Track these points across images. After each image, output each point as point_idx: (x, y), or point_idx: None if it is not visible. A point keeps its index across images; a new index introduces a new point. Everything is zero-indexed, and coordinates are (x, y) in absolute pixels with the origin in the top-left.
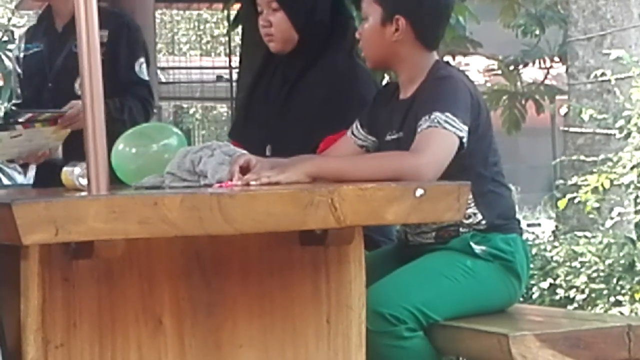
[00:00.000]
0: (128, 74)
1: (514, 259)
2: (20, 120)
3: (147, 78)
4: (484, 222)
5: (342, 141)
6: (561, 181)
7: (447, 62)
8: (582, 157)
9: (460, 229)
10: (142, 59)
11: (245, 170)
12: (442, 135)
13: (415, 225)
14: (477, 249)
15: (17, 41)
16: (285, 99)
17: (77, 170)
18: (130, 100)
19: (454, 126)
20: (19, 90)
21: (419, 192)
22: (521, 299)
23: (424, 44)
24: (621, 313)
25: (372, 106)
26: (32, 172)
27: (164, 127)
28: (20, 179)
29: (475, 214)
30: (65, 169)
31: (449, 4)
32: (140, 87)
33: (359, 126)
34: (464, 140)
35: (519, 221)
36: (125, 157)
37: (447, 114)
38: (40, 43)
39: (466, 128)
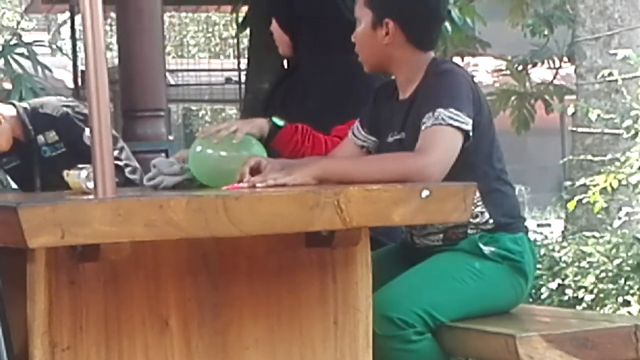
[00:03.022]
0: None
1: (523, 259)
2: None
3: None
4: (491, 221)
5: (344, 142)
6: (569, 182)
7: (445, 59)
8: (590, 157)
9: (468, 230)
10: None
11: (255, 171)
12: (447, 133)
13: (422, 227)
14: (486, 249)
15: None
16: (287, 100)
17: (84, 173)
18: None
19: (458, 120)
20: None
21: (425, 193)
22: (530, 300)
23: (416, 45)
24: (630, 313)
25: (373, 105)
26: None
27: (248, 138)
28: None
29: (482, 213)
30: (71, 172)
31: (440, 5)
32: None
33: (359, 127)
34: (470, 133)
35: (524, 219)
36: (216, 160)
37: (451, 109)
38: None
39: (470, 121)
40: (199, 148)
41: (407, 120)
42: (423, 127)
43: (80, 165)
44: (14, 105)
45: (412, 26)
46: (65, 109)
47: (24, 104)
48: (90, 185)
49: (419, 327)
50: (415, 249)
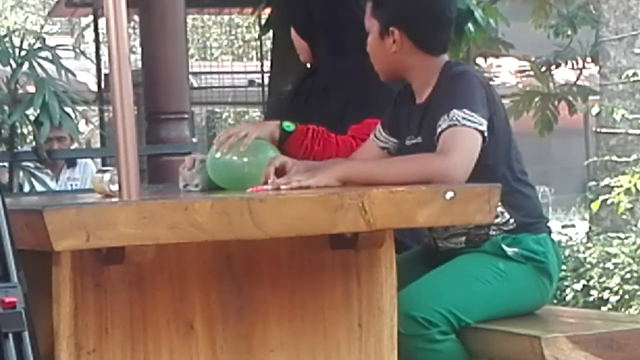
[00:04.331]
0: None
1: (547, 260)
2: None
3: None
4: (512, 221)
5: (366, 144)
6: (593, 183)
7: (459, 62)
8: (614, 158)
9: (490, 232)
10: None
11: (281, 172)
12: (465, 133)
13: (444, 229)
14: (509, 250)
15: None
16: (309, 103)
17: (107, 176)
18: None
19: (473, 122)
20: None
21: (449, 194)
22: (555, 301)
23: (426, 50)
24: None
25: (394, 108)
26: (64, 175)
27: (264, 143)
28: (52, 184)
29: (502, 213)
30: (94, 175)
31: (445, 8)
32: None
33: (380, 129)
34: (485, 134)
35: (547, 220)
36: (234, 165)
37: (465, 110)
38: None
39: (485, 122)
40: (217, 155)
41: (423, 124)
42: (439, 130)
43: (103, 168)
44: None
45: (419, 32)
46: None
47: None
48: (113, 188)
49: (443, 327)
50: (439, 252)
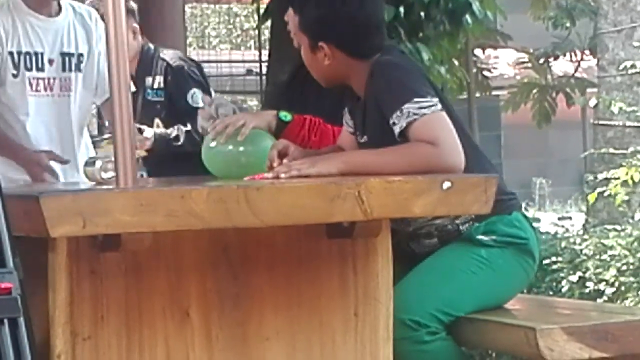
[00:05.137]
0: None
1: (527, 240)
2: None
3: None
4: None
5: (342, 131)
6: (590, 175)
7: (387, 47)
8: (611, 150)
9: (460, 227)
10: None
11: (283, 155)
12: (434, 119)
13: (412, 233)
14: (486, 239)
15: None
16: (305, 93)
17: (98, 163)
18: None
19: (429, 105)
20: None
21: (446, 184)
22: (550, 292)
23: (358, 57)
24: None
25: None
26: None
27: (262, 133)
28: None
29: None
30: (85, 163)
31: (370, 13)
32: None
33: (347, 113)
34: (443, 109)
35: (513, 194)
36: (230, 154)
37: (415, 99)
38: None
39: (437, 99)
40: (213, 144)
41: (365, 123)
42: (398, 129)
43: (93, 156)
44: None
45: (348, 43)
46: (182, 62)
47: (150, 44)
48: (105, 175)
49: (432, 327)
50: (416, 254)
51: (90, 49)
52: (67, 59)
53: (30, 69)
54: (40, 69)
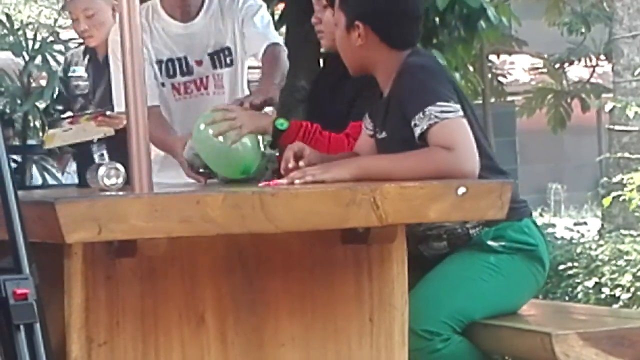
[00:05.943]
0: None
1: (536, 246)
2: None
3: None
4: None
5: (362, 133)
6: (606, 179)
7: (418, 50)
8: (627, 155)
9: (470, 231)
10: None
11: (298, 157)
12: (453, 124)
13: (422, 236)
14: (496, 245)
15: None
16: (321, 99)
17: (102, 170)
18: None
19: (452, 111)
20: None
21: (461, 190)
22: (566, 298)
23: (391, 45)
24: None
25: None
26: (70, 168)
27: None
28: (63, 179)
29: None
30: (88, 170)
31: (411, 4)
32: None
33: (367, 117)
34: (464, 116)
35: (524, 202)
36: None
37: (439, 103)
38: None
39: (459, 106)
40: (202, 126)
41: (386, 120)
42: (419, 131)
43: (97, 163)
44: None
45: (383, 27)
46: None
47: None
48: (107, 182)
49: (445, 334)
50: (425, 258)
51: (235, 32)
52: (215, 57)
53: (173, 76)
54: (188, 73)
